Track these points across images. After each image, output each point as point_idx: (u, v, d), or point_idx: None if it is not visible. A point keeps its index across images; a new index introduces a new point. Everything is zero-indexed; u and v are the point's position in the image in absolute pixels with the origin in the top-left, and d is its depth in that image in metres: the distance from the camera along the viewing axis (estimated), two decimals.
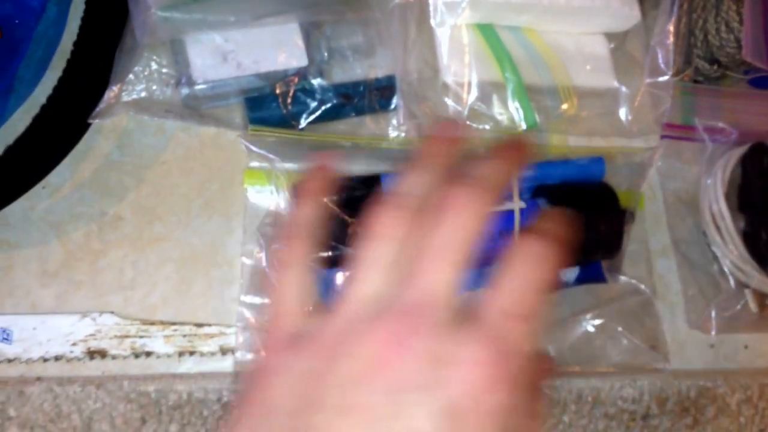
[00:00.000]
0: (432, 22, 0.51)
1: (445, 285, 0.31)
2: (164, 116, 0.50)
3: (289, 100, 0.50)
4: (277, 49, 0.50)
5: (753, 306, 0.50)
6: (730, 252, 0.50)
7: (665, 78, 0.53)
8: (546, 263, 0.32)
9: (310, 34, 0.51)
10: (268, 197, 0.48)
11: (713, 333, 0.50)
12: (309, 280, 0.35)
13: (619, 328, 0.47)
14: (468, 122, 0.52)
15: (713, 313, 0.50)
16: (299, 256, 0.35)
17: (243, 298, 0.45)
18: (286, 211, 0.47)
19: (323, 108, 0.50)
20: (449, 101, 0.51)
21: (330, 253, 0.44)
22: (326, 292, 0.45)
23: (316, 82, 0.50)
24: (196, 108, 0.50)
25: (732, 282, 0.50)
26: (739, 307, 0.50)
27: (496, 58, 0.52)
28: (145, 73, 0.49)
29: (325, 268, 0.45)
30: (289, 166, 0.47)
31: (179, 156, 0.50)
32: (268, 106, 0.49)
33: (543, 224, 0.34)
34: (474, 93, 0.51)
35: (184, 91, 0.49)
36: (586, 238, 0.45)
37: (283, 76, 0.50)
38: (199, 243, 0.49)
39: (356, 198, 0.45)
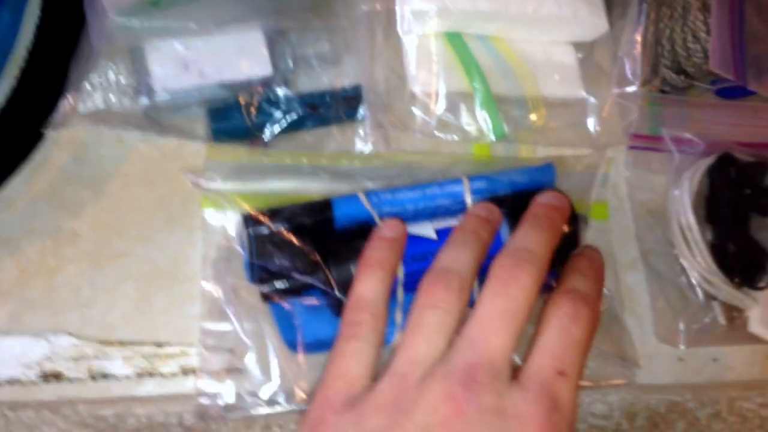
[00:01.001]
0: (399, 30, 0.50)
1: (502, 348, 0.34)
2: (123, 127, 0.48)
3: (253, 111, 0.48)
4: (240, 57, 0.48)
5: (721, 319, 0.50)
6: (698, 264, 0.50)
7: (633, 88, 0.52)
8: (581, 324, 0.35)
9: (274, 42, 0.49)
10: (226, 218, 0.46)
11: (682, 346, 0.50)
12: (377, 355, 0.38)
13: None
14: (436, 133, 0.51)
15: (681, 326, 0.50)
16: (367, 331, 0.38)
17: (203, 324, 0.44)
18: (237, 240, 0.45)
19: (288, 118, 0.49)
20: (417, 111, 0.50)
21: (286, 284, 0.43)
22: (283, 323, 0.44)
23: (281, 91, 0.49)
24: (156, 119, 0.48)
25: (700, 294, 0.50)
26: (707, 319, 0.50)
27: (465, 67, 0.51)
28: (102, 83, 0.47)
29: (282, 299, 0.44)
30: (249, 187, 0.46)
31: (139, 168, 0.48)
32: (231, 117, 0.48)
33: (575, 283, 0.37)
34: (442, 103, 0.50)
35: (144, 101, 0.47)
36: None
37: (247, 86, 0.48)
38: (161, 258, 0.47)
39: (306, 225, 0.44)
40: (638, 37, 0.53)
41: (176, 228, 0.48)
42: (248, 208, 0.44)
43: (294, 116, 0.49)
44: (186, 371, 0.44)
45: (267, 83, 0.49)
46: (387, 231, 0.42)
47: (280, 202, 0.45)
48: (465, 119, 0.51)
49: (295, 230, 0.43)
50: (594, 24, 0.53)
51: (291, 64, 0.50)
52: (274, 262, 0.43)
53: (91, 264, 0.46)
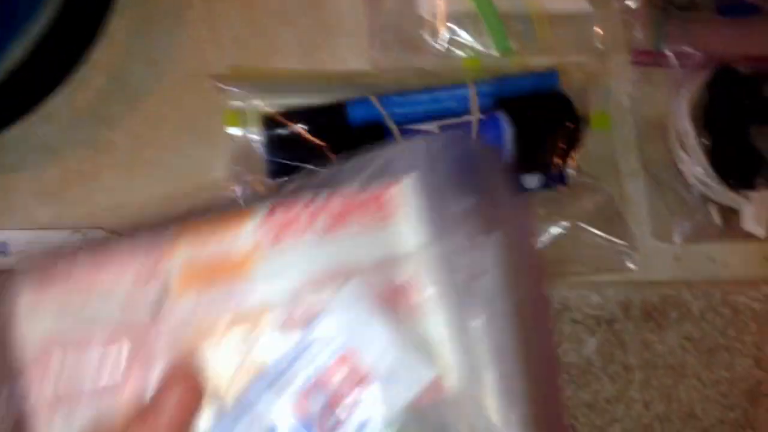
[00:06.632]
0: None
1: None
2: None
3: None
4: None
5: (716, 218, 0.52)
6: (695, 167, 0.52)
7: (636, 3, 0.55)
8: None
9: None
10: (247, 131, 0.51)
11: (677, 241, 0.52)
12: None
13: (587, 227, 0.50)
14: (444, 52, 0.54)
15: (678, 224, 0.52)
16: None
17: None
18: (258, 145, 0.49)
19: None
20: (424, 33, 0.54)
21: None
22: None
23: None
24: None
25: (697, 196, 0.52)
26: (703, 218, 0.52)
27: None
28: None
29: None
30: (268, 102, 0.50)
31: (171, 87, 0.53)
32: None
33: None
34: (449, 22, 0.53)
35: None
36: (545, 146, 0.48)
37: None
38: (188, 168, 0.52)
39: (322, 126, 0.48)
40: None
41: (202, 141, 0.52)
42: (267, 111, 0.48)
43: None
44: None
45: None
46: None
47: None
48: (471, 36, 0.54)
49: (311, 130, 0.47)
50: None
51: None
52: (290, 158, 0.47)
53: (125, 171, 0.51)
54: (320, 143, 0.47)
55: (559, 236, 0.50)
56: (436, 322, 0.33)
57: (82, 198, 0.50)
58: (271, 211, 0.34)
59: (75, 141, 0.51)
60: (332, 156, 0.47)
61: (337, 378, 0.31)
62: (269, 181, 0.48)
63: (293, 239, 0.33)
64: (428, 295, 0.33)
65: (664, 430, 0.49)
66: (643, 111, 0.56)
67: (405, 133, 0.48)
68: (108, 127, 0.52)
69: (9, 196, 0.50)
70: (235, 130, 0.51)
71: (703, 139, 0.53)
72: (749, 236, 0.52)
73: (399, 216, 0.34)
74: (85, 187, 0.50)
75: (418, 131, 0.47)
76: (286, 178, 0.47)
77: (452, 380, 0.32)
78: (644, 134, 0.56)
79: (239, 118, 0.51)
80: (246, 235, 0.33)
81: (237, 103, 0.51)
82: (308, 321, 0.32)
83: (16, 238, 0.48)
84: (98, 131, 0.52)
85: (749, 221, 0.51)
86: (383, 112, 0.48)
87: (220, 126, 0.52)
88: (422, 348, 0.32)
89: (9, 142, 0.50)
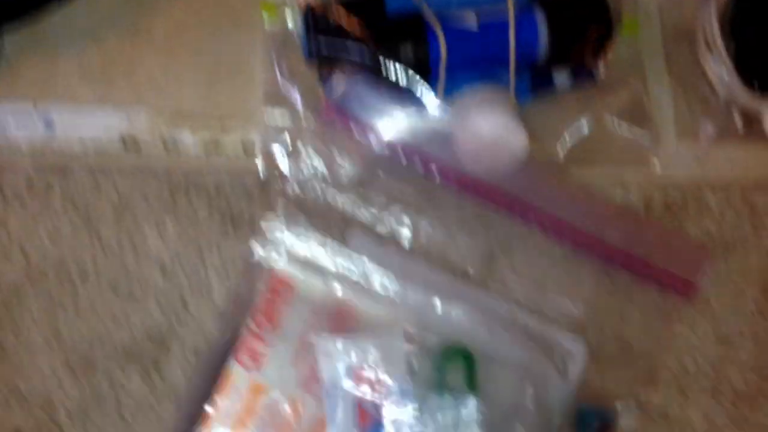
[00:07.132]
0: None
1: None
2: None
3: None
4: None
5: (739, 121, 0.53)
6: (720, 69, 0.53)
7: None
8: None
9: None
10: (284, 18, 0.52)
11: (700, 142, 0.53)
12: None
13: (614, 123, 0.52)
14: None
15: (701, 125, 0.53)
16: None
17: (263, 108, 0.51)
18: (296, 31, 0.51)
19: None
20: None
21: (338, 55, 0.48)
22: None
23: None
24: None
25: (721, 99, 0.54)
26: (726, 121, 0.53)
27: None
28: None
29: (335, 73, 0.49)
30: None
31: None
32: None
33: None
34: None
35: None
36: (577, 44, 0.49)
37: None
38: (226, 52, 0.53)
39: (360, 14, 0.48)
40: None
41: (241, 27, 0.53)
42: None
43: None
44: (245, 145, 0.51)
45: None
46: None
47: None
48: None
49: (348, 9, 0.48)
50: None
51: None
52: (328, 45, 0.48)
53: (165, 54, 0.53)
54: (356, 24, 0.48)
55: (587, 131, 0.52)
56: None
57: (123, 80, 0.52)
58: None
59: (115, 26, 0.52)
60: (370, 44, 0.48)
61: None
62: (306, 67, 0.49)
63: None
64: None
65: None
66: (670, 17, 0.57)
67: (443, 20, 0.48)
68: (148, 12, 0.53)
69: (53, 76, 0.51)
70: (272, 17, 0.52)
71: (729, 45, 0.54)
72: None
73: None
74: (126, 70, 0.52)
75: (456, 17, 0.48)
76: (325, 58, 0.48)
77: None
78: (671, 39, 0.57)
79: (277, 4, 0.52)
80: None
81: None
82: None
83: (61, 114, 0.50)
84: (139, 15, 0.53)
85: None
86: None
87: (258, 13, 0.53)
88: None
89: (51, 27, 0.52)
